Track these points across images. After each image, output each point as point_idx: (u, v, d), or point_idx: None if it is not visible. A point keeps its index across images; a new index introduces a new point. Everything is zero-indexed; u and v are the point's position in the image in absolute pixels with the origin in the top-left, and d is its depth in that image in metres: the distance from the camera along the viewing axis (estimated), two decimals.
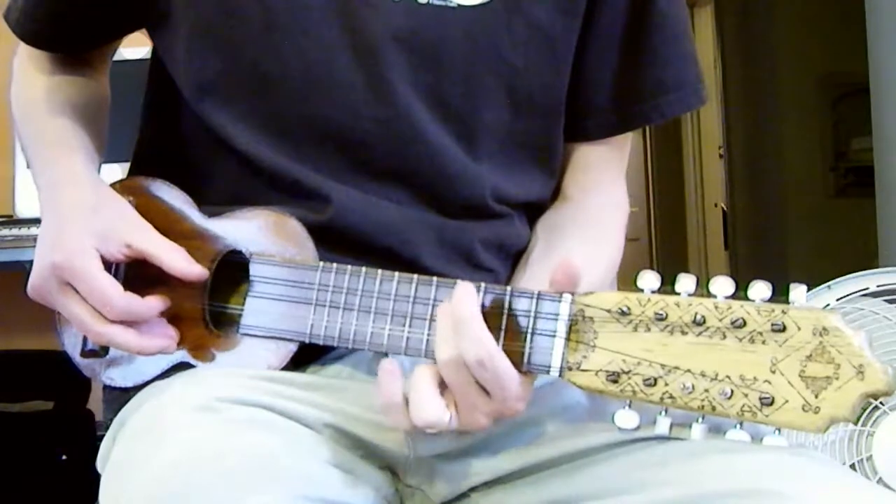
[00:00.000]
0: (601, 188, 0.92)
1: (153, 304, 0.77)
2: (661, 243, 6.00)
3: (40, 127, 0.89)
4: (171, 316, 0.79)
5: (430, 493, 0.79)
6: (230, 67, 0.82)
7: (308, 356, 0.79)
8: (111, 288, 0.76)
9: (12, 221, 1.97)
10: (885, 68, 2.58)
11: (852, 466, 1.49)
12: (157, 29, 0.88)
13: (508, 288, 0.70)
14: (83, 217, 0.78)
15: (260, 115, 0.82)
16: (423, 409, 0.67)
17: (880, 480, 1.48)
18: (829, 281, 1.57)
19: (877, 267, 1.62)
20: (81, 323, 0.77)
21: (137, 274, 0.79)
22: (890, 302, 1.55)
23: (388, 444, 0.77)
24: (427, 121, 0.81)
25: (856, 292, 1.57)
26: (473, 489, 0.78)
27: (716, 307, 0.62)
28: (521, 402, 0.69)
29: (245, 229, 0.79)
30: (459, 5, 0.81)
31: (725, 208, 5.28)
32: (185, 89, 0.85)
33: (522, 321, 0.69)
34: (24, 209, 2.00)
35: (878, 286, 1.57)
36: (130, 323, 0.77)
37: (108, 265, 0.77)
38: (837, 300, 1.57)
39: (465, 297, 0.68)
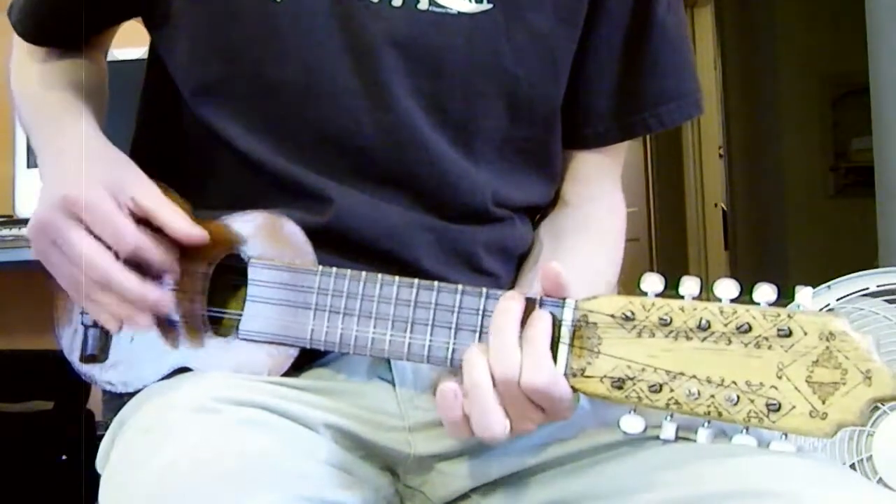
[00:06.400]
0: (600, 195, 0.93)
1: (167, 257, 0.76)
2: (661, 243, 6.00)
3: (41, 98, 0.90)
4: (171, 320, 0.79)
5: (431, 493, 0.79)
6: (231, 71, 0.82)
7: (307, 357, 0.78)
8: (125, 220, 0.75)
9: (12, 221, 1.96)
10: (885, 68, 2.58)
11: (852, 466, 1.49)
12: (158, 29, 0.87)
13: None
14: (92, 164, 0.78)
15: (260, 118, 0.82)
16: (490, 425, 0.67)
17: (880, 480, 1.48)
18: (829, 281, 1.57)
19: (877, 267, 1.62)
20: (87, 258, 0.75)
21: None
22: (890, 302, 1.55)
23: (389, 444, 0.77)
24: (426, 126, 0.81)
25: (856, 292, 1.56)
26: (474, 490, 0.78)
27: (721, 312, 0.62)
28: (570, 411, 0.68)
29: (243, 232, 0.79)
30: (460, 12, 0.81)
31: (725, 208, 5.28)
32: (185, 90, 0.85)
33: None
34: (24, 209, 2.00)
35: (878, 286, 1.56)
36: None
37: None
38: (837, 300, 1.56)
39: (540, 321, 0.67)
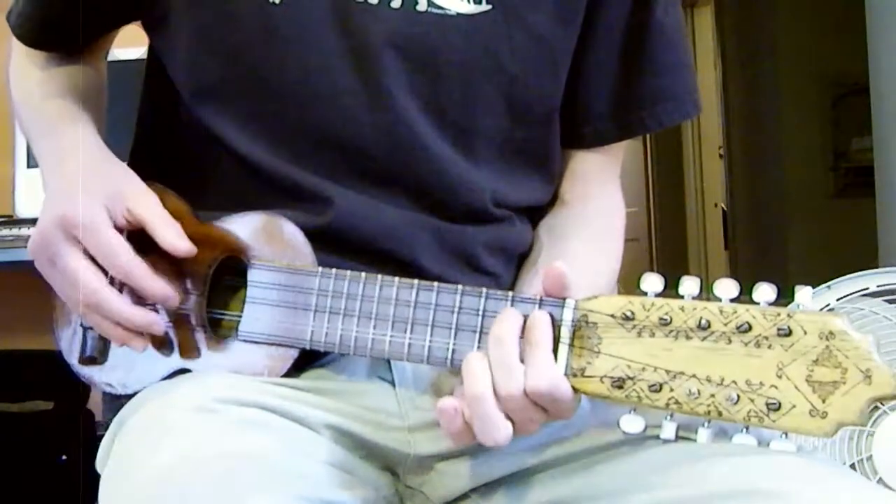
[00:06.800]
0: (599, 194, 0.93)
1: (158, 285, 0.76)
2: (661, 243, 6.00)
3: (40, 105, 0.90)
4: (170, 321, 0.79)
5: (431, 493, 0.79)
6: (230, 73, 0.82)
7: (307, 358, 0.78)
8: (119, 243, 0.75)
9: (12, 221, 1.96)
10: (885, 68, 2.58)
11: (852, 466, 1.49)
12: (157, 32, 0.87)
13: (510, 294, 0.70)
14: (91, 177, 0.78)
15: (260, 119, 0.82)
16: (493, 433, 0.67)
17: (880, 480, 1.48)
18: (829, 281, 1.57)
19: (877, 267, 1.62)
20: (78, 279, 0.75)
21: None
22: (890, 302, 1.55)
23: (389, 445, 0.78)
24: (425, 127, 0.81)
25: (856, 292, 1.57)
26: (474, 490, 0.78)
27: (721, 311, 0.62)
28: (572, 410, 0.69)
29: (242, 234, 0.79)
30: (458, 13, 0.81)
31: (725, 208, 5.28)
32: (185, 92, 0.85)
33: None
34: (24, 209, 1.99)
35: (878, 286, 1.56)
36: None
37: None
38: (837, 300, 1.57)
39: (542, 323, 0.67)
